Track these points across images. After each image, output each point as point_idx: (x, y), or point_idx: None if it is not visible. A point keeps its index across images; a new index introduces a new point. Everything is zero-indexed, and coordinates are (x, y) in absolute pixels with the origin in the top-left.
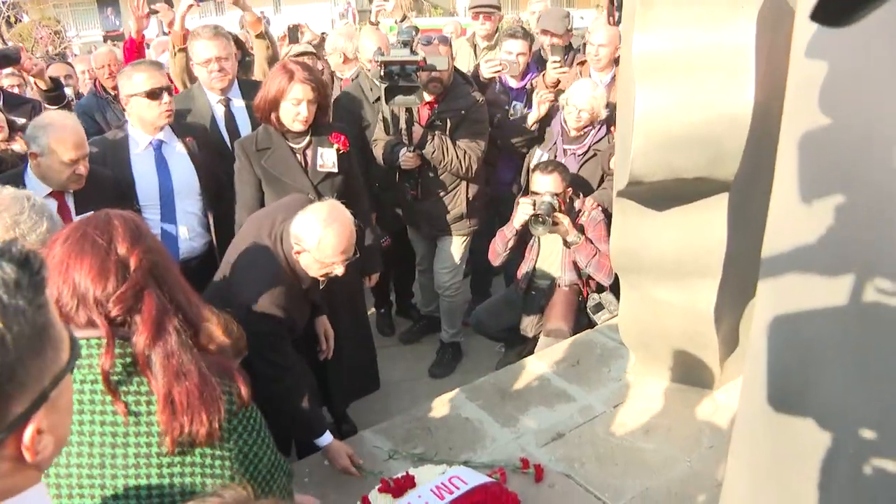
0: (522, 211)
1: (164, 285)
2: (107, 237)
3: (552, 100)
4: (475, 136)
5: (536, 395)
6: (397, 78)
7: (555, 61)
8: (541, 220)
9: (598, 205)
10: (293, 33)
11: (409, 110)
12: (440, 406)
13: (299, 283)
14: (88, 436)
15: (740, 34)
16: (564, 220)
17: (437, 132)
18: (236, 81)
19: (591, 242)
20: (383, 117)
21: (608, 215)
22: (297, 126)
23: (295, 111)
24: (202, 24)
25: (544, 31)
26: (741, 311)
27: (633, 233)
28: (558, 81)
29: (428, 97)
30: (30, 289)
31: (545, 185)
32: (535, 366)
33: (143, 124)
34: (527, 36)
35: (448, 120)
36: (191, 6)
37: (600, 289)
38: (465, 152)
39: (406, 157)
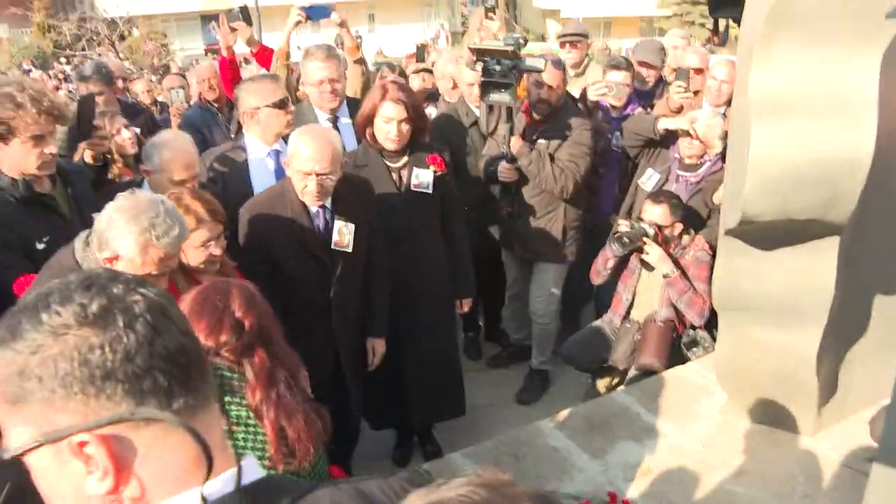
0: (614, 229)
1: (270, 343)
2: (224, 301)
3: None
4: (575, 158)
5: (626, 428)
6: (494, 73)
7: (679, 86)
8: (622, 240)
9: (707, 244)
10: (420, 52)
11: (510, 118)
12: (528, 433)
13: None
14: None
15: (863, 74)
16: (654, 251)
17: (536, 146)
18: (345, 103)
19: (687, 279)
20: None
21: (714, 255)
22: (389, 144)
23: (385, 129)
24: (315, 45)
25: (641, 63)
26: (843, 356)
27: (737, 271)
28: (681, 107)
29: (537, 117)
30: None
31: (652, 214)
32: (625, 399)
33: (265, 135)
34: (629, 66)
35: (550, 140)
36: (298, 22)
37: (695, 325)
38: (561, 171)
39: (504, 169)
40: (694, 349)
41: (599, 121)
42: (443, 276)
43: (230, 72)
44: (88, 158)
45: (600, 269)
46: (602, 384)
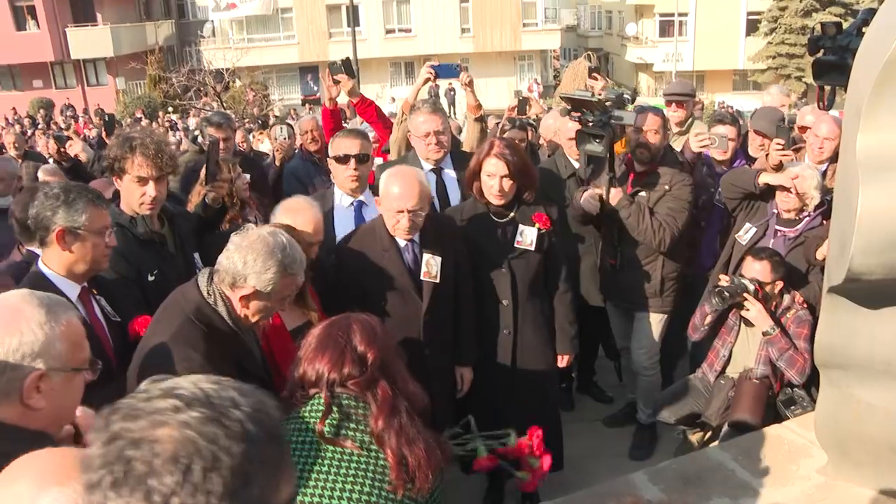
0: (714, 284)
1: (393, 376)
2: (346, 336)
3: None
4: (674, 212)
5: (720, 484)
6: (587, 125)
7: (779, 143)
8: (722, 294)
9: (805, 303)
10: (522, 105)
11: (611, 167)
12: (621, 486)
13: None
14: (316, 474)
15: None
16: (755, 307)
17: (636, 198)
18: (450, 152)
19: (788, 336)
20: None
21: (814, 313)
22: (494, 199)
23: (489, 184)
24: (421, 99)
25: (757, 133)
26: None
27: (841, 328)
28: (780, 164)
29: (638, 167)
30: None
31: (753, 271)
32: (719, 455)
33: (338, 185)
34: (734, 122)
35: (651, 192)
36: (427, 80)
37: (792, 383)
38: (660, 225)
39: (588, 196)
40: (792, 407)
41: (703, 175)
42: (545, 333)
43: (332, 122)
44: (209, 200)
45: (698, 325)
46: (694, 439)
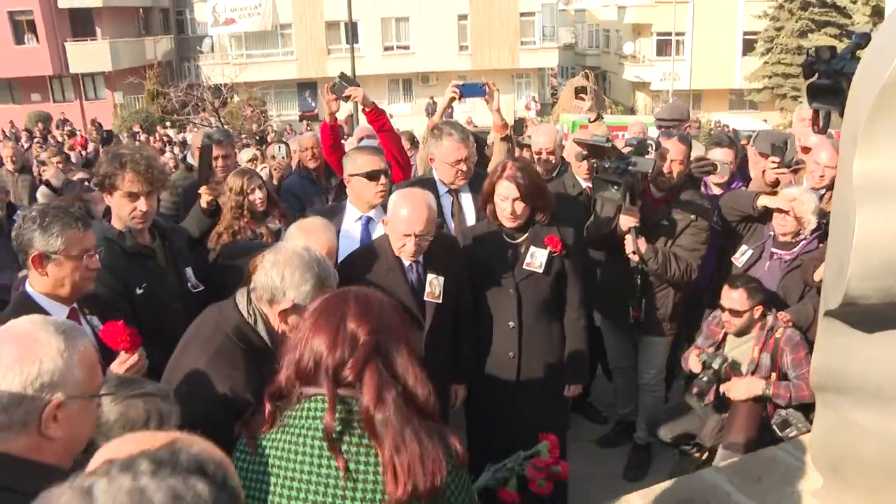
0: (691, 364)
1: (388, 358)
2: (340, 313)
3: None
4: (696, 244)
5: None
6: (604, 171)
7: (774, 161)
8: (697, 393)
9: (790, 321)
10: (519, 125)
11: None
12: None
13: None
14: (306, 485)
15: None
16: (738, 387)
17: (659, 249)
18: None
19: (786, 377)
20: (594, 208)
21: (803, 333)
22: (506, 222)
23: (502, 207)
24: (448, 122)
25: (761, 154)
26: None
27: (836, 351)
28: (777, 181)
29: (656, 193)
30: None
31: (730, 300)
32: (714, 477)
33: (359, 201)
34: (732, 144)
35: (672, 223)
36: (453, 99)
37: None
38: (687, 264)
39: (626, 214)
40: (787, 430)
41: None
42: (552, 359)
43: (332, 138)
44: (203, 203)
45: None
46: (690, 459)
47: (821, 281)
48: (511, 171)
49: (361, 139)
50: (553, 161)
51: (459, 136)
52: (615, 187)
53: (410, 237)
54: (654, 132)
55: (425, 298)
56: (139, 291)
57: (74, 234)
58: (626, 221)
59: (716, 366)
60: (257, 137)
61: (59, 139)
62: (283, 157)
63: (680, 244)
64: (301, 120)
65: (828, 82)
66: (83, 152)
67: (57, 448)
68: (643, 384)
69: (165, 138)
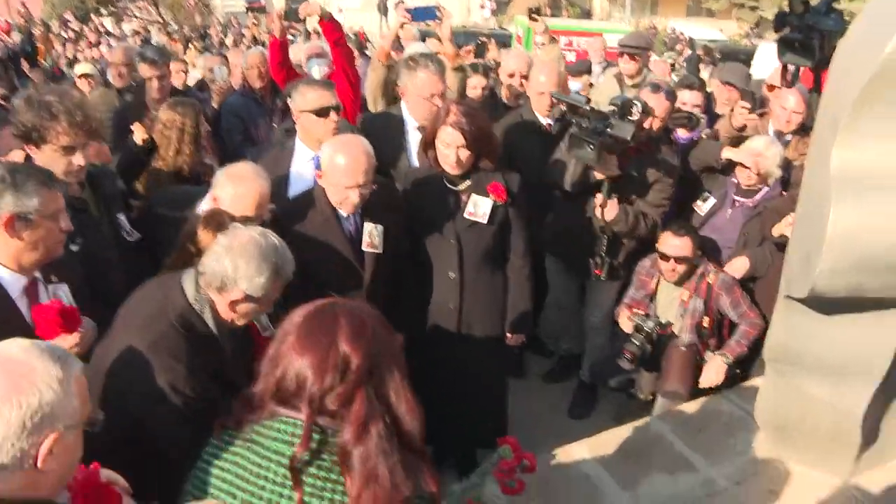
0: (623, 324)
1: (380, 384)
2: (332, 333)
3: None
4: (664, 200)
5: (658, 459)
6: (581, 129)
7: (744, 107)
8: (629, 359)
9: (717, 267)
10: (480, 49)
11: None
12: (561, 458)
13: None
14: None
15: None
16: (711, 375)
17: (625, 206)
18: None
19: (720, 321)
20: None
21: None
22: (450, 170)
23: (444, 153)
24: (421, 53)
25: (726, 83)
26: (888, 408)
27: (796, 331)
28: (744, 126)
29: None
30: None
31: (674, 248)
32: (659, 427)
33: (309, 139)
34: (702, 86)
35: (642, 175)
36: (403, 24)
37: (719, 344)
38: (653, 220)
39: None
40: None
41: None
42: (494, 309)
43: (281, 55)
44: (138, 140)
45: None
46: (634, 402)
47: (780, 236)
48: (455, 117)
49: (310, 57)
50: (523, 88)
51: (436, 69)
52: (590, 146)
53: (354, 189)
54: (611, 41)
55: (364, 248)
56: (74, 248)
57: (49, 192)
58: (604, 169)
59: (648, 329)
60: (200, 31)
61: None
62: (223, 80)
63: (648, 199)
64: (248, 11)
65: (798, 37)
66: (5, 42)
67: (52, 481)
68: (590, 326)
69: (102, 28)
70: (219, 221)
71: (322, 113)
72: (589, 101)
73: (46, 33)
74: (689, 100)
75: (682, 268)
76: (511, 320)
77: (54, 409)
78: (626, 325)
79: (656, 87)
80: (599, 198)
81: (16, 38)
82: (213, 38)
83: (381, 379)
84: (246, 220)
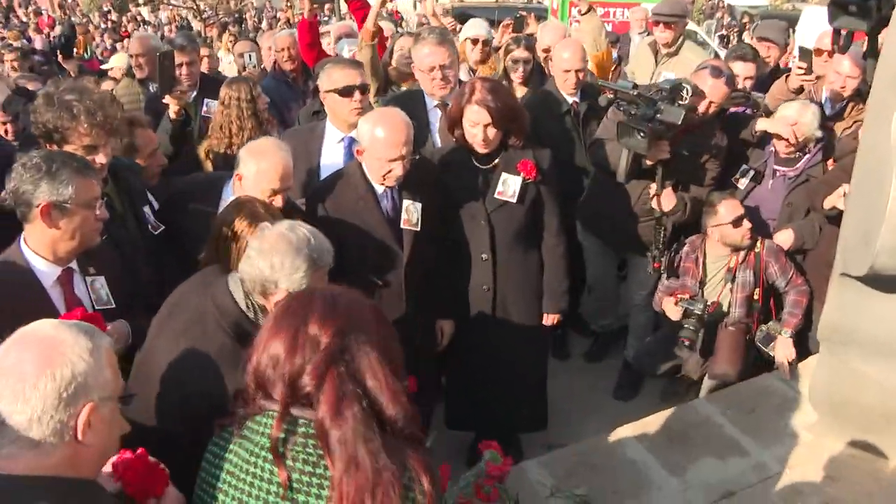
0: (669, 313)
1: (354, 365)
2: (302, 314)
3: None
4: (711, 180)
5: (707, 443)
6: (631, 117)
7: (800, 67)
8: (687, 345)
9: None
10: (519, 23)
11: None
12: (606, 443)
13: None
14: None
15: None
16: (780, 353)
17: (681, 193)
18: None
19: (771, 289)
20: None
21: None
22: (478, 149)
23: (472, 133)
24: (427, 27)
25: (762, 39)
26: None
27: (849, 308)
28: (801, 88)
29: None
30: None
31: (727, 213)
32: (707, 408)
33: (337, 120)
34: (755, 58)
35: (695, 158)
36: (384, 2)
37: (766, 318)
38: (700, 202)
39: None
40: (771, 345)
41: None
42: (528, 290)
43: (310, 35)
44: (172, 113)
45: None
46: (680, 382)
47: (831, 208)
48: (481, 94)
49: (340, 38)
50: None
51: (436, 40)
52: (640, 134)
53: (398, 161)
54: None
55: (402, 227)
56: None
57: (84, 180)
58: (655, 154)
59: (698, 311)
60: (235, 16)
61: (24, 19)
62: (253, 66)
63: (698, 180)
64: None
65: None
66: (50, 34)
67: (93, 456)
68: (634, 305)
69: (139, 17)
70: (251, 211)
71: (346, 92)
72: (636, 86)
73: (87, 25)
74: (741, 72)
75: (737, 231)
76: (547, 300)
77: (87, 379)
78: (673, 312)
79: (717, 72)
80: (653, 188)
81: (59, 31)
82: (248, 24)
83: (354, 359)
84: (274, 194)
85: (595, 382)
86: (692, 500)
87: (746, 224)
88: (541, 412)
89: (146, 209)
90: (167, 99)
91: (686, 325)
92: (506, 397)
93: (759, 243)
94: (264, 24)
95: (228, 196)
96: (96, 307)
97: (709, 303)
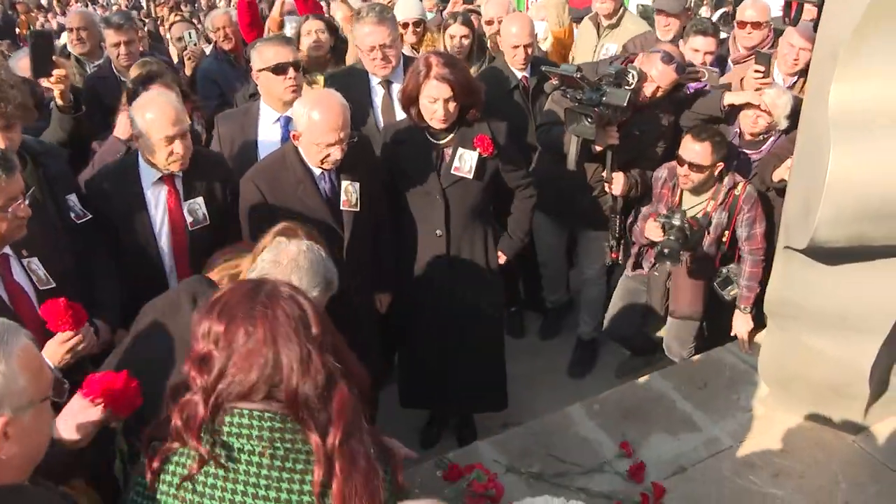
0: (650, 233)
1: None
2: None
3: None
4: (660, 157)
5: (660, 419)
6: (577, 103)
7: (757, 71)
8: (667, 255)
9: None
10: None
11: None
12: (559, 421)
13: None
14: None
15: None
16: (740, 326)
17: (630, 173)
18: (401, 63)
19: (748, 279)
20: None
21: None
22: (437, 124)
23: (432, 109)
24: (367, 5)
25: (659, 12)
26: (894, 360)
27: (795, 282)
28: (757, 90)
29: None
30: None
31: (692, 153)
32: (660, 384)
33: (271, 99)
34: (716, 31)
35: (645, 135)
36: None
37: (724, 260)
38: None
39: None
40: (728, 288)
41: None
42: (483, 265)
43: (249, 15)
44: (57, 100)
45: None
46: (640, 360)
47: (780, 181)
48: (439, 69)
49: (283, 14)
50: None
51: (375, 19)
52: (588, 120)
53: (336, 145)
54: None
55: (342, 208)
56: None
57: (6, 177)
58: (604, 140)
59: (677, 222)
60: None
61: None
62: (194, 44)
63: (648, 157)
64: None
65: None
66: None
67: (14, 464)
68: (586, 278)
69: None
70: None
71: (279, 70)
72: (580, 69)
73: (27, 6)
74: (701, 46)
75: (696, 176)
76: (504, 241)
77: None
78: (653, 232)
79: (668, 58)
80: (606, 173)
81: None
82: (202, 2)
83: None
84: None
85: (551, 360)
86: (644, 477)
87: (687, 171)
88: (501, 392)
89: (72, 197)
90: (46, 84)
91: (668, 237)
92: (462, 374)
93: (740, 186)
94: (222, 3)
95: (143, 169)
96: (40, 288)
97: (686, 214)
